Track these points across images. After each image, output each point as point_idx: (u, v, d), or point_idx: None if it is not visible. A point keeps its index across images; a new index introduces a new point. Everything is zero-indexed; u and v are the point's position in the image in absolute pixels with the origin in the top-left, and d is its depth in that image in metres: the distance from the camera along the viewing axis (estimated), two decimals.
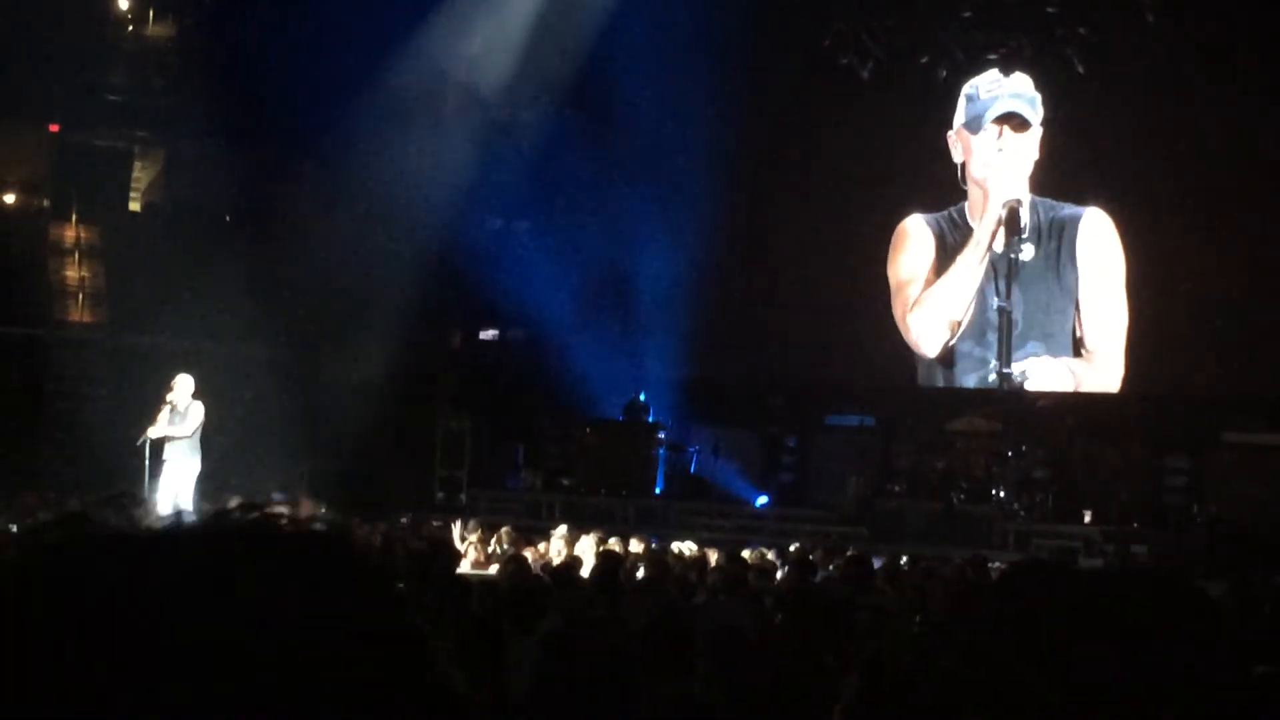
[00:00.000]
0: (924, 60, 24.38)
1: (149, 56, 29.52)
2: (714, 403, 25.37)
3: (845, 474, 23.21)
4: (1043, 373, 23.53)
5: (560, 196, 25.79)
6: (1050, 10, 23.75)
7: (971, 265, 23.92)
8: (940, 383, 24.62)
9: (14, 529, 14.98)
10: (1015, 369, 23.38)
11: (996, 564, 16.21)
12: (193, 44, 27.30)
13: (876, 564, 15.22)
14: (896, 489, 22.78)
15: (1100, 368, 23.57)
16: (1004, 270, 23.50)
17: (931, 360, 24.48)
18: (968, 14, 24.19)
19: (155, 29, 30.27)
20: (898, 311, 24.57)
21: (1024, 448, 22.38)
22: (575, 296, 24.88)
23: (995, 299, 23.62)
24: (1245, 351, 22.12)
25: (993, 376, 23.83)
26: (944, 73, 24.31)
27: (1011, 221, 23.48)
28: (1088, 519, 21.28)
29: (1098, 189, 23.53)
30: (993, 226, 23.58)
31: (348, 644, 1.06)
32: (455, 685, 1.13)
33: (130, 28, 30.34)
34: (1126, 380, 23.41)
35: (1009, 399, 23.40)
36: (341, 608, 1.09)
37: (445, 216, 25.41)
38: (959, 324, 24.09)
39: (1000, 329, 23.58)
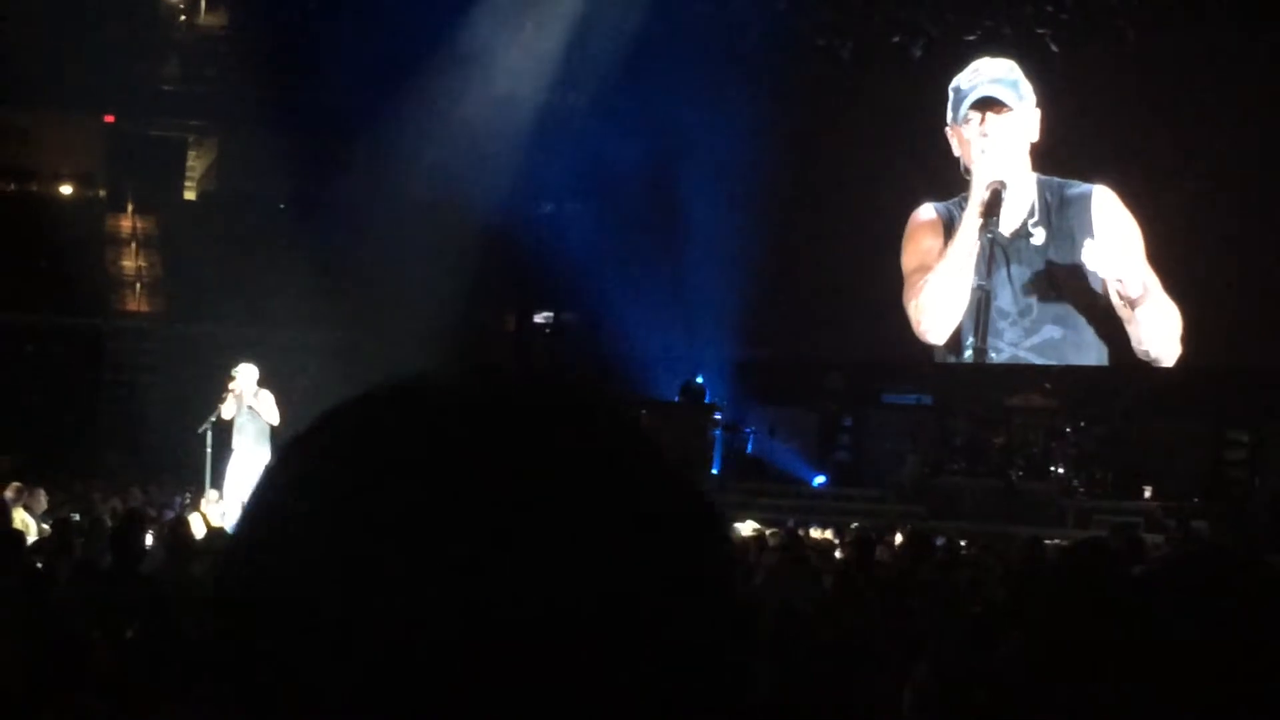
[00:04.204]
0: (895, 40, 24.37)
1: (201, 46, 29.67)
2: (770, 383, 25.33)
3: (903, 452, 23.14)
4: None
5: (612, 178, 25.74)
6: None
7: (961, 251, 23.78)
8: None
9: (76, 517, 15.12)
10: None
11: (1055, 541, 16.15)
12: (244, 33, 27.39)
13: (939, 541, 15.20)
14: (954, 466, 22.69)
15: (1159, 319, 23.09)
16: (991, 251, 23.42)
17: (941, 347, 24.39)
18: None
19: (207, 18, 30.42)
20: (905, 300, 24.50)
21: (1082, 423, 22.26)
22: (629, 278, 24.82)
23: (976, 278, 23.54)
24: None
25: (969, 353, 23.78)
26: (918, 53, 24.31)
27: (992, 203, 23.32)
28: (1148, 494, 21.14)
29: (1104, 164, 23.32)
30: (978, 209, 23.46)
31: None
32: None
33: (182, 18, 30.48)
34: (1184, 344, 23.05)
35: (1067, 374, 23.30)
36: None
37: (498, 200, 25.41)
38: (956, 309, 23.97)
39: (979, 308, 23.51)
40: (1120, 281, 22.57)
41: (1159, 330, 22.87)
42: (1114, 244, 22.96)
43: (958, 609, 8.54)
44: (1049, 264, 23.68)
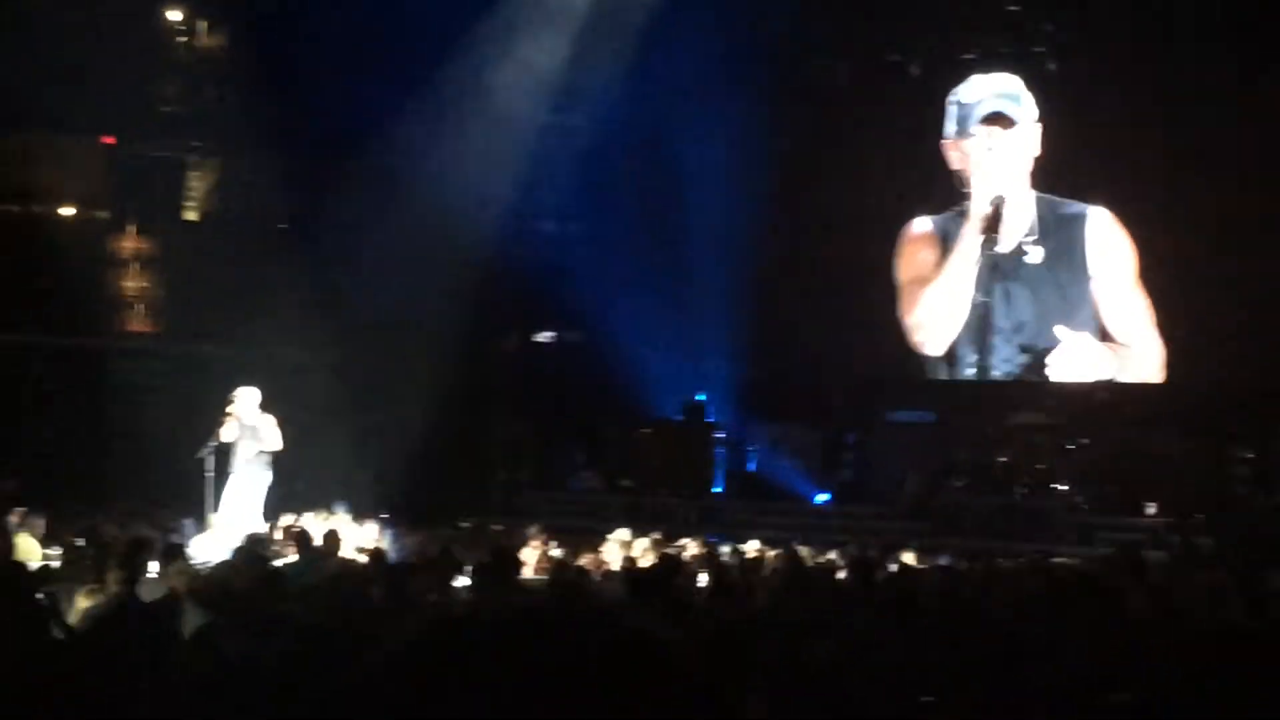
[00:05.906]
0: (894, 59, 24.55)
1: (201, 67, 29.60)
2: (772, 400, 25.30)
3: (906, 470, 23.09)
4: (1077, 355, 23.52)
5: (613, 197, 25.74)
6: (1013, 9, 23.87)
7: (961, 263, 23.97)
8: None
9: (82, 543, 15.08)
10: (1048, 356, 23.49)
11: (1059, 559, 16.13)
12: (244, 53, 27.35)
13: (943, 560, 15.18)
14: (958, 484, 22.63)
15: (1137, 357, 23.47)
16: (989, 266, 23.56)
17: (937, 359, 24.55)
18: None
19: (207, 39, 30.36)
20: (902, 313, 24.63)
21: (1086, 440, 22.22)
22: (630, 297, 24.79)
23: (977, 294, 23.72)
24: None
25: (971, 370, 23.95)
26: (916, 71, 24.48)
27: (994, 218, 23.55)
28: (1152, 510, 21.08)
29: (1100, 183, 23.48)
30: (979, 224, 23.67)
31: None
32: None
33: (182, 39, 30.44)
34: (1169, 368, 23.32)
35: (1069, 390, 23.31)
36: None
37: (499, 219, 25.40)
38: (955, 321, 24.19)
39: (980, 324, 23.69)
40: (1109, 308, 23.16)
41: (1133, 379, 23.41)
42: (1110, 267, 23.21)
43: (960, 631, 8.50)
44: (1045, 282, 23.78)
